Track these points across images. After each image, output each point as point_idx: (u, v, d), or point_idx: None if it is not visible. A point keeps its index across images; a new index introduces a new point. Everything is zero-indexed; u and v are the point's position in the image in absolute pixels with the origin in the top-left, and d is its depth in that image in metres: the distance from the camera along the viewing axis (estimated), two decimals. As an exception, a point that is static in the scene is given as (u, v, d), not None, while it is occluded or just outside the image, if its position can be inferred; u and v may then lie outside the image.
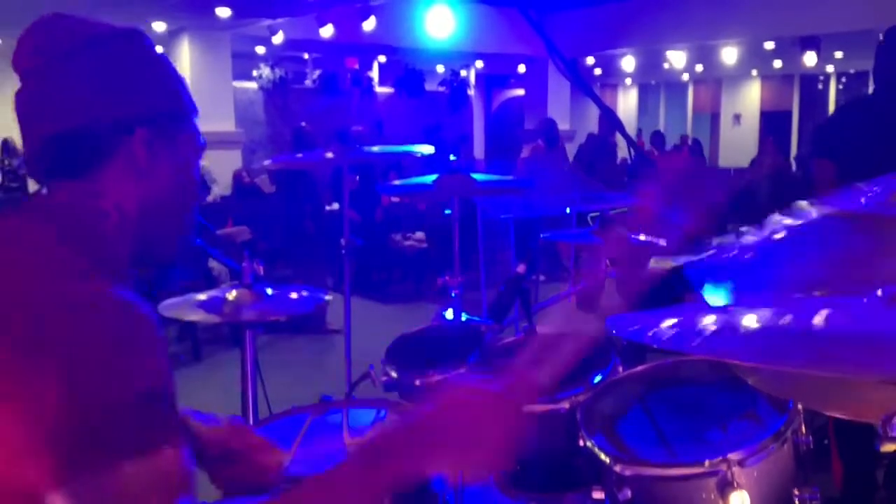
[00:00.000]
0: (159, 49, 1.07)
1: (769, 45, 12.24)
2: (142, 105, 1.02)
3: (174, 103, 1.07)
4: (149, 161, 1.02)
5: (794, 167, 12.68)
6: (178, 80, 1.09)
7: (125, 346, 0.86)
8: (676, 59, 12.97)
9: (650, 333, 1.10)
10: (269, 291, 2.04)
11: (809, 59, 10.80)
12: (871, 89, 3.21)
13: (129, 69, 1.02)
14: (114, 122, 0.99)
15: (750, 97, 18.68)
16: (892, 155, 2.28)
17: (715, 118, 19.31)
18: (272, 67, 12.92)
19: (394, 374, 2.14)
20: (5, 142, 10.12)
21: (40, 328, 0.83)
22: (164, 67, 1.07)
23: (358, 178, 7.71)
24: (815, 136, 3.46)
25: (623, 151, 11.47)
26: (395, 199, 8.08)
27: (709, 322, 1.06)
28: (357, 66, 14.33)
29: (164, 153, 1.04)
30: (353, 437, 1.74)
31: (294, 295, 2.13)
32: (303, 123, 7.31)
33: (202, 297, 2.08)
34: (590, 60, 13.75)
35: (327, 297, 2.21)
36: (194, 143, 1.10)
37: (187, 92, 1.10)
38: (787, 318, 1.02)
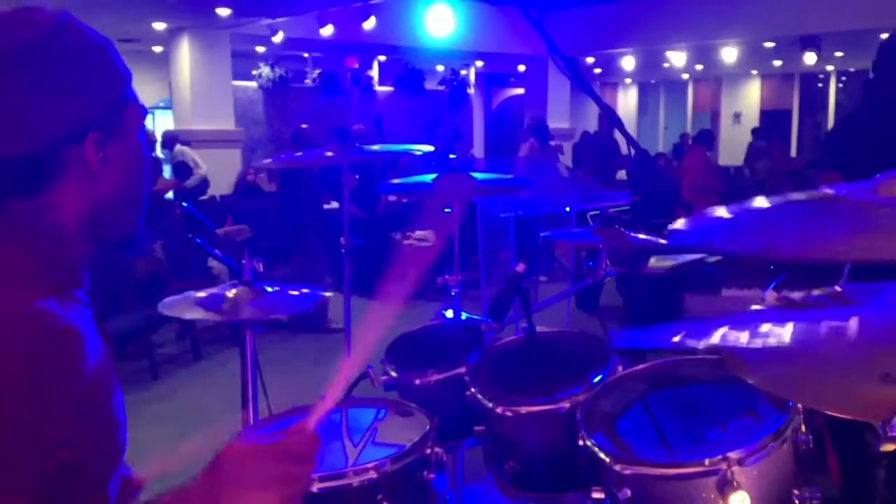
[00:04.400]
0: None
1: (769, 45, 12.23)
2: (86, 107, 0.94)
3: (115, 85, 0.98)
4: (102, 159, 0.95)
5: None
6: (105, 51, 0.97)
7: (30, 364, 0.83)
8: (676, 58, 12.97)
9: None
10: (269, 289, 2.03)
11: (809, 58, 10.81)
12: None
13: (65, 74, 0.92)
14: (61, 138, 0.92)
15: (750, 96, 18.68)
16: None
17: (715, 117, 19.30)
18: (272, 67, 12.92)
19: (393, 374, 2.13)
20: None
21: None
22: (94, 50, 0.96)
23: (357, 177, 7.68)
24: (821, 148, 3.45)
25: (623, 150, 11.48)
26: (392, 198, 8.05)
27: None
28: (357, 66, 14.33)
29: (115, 143, 0.97)
30: (351, 438, 1.74)
31: (294, 293, 2.12)
32: (303, 125, 7.29)
33: (201, 294, 2.07)
34: (589, 59, 13.75)
35: (327, 294, 2.19)
36: (138, 115, 1.02)
37: (118, 57, 0.99)
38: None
